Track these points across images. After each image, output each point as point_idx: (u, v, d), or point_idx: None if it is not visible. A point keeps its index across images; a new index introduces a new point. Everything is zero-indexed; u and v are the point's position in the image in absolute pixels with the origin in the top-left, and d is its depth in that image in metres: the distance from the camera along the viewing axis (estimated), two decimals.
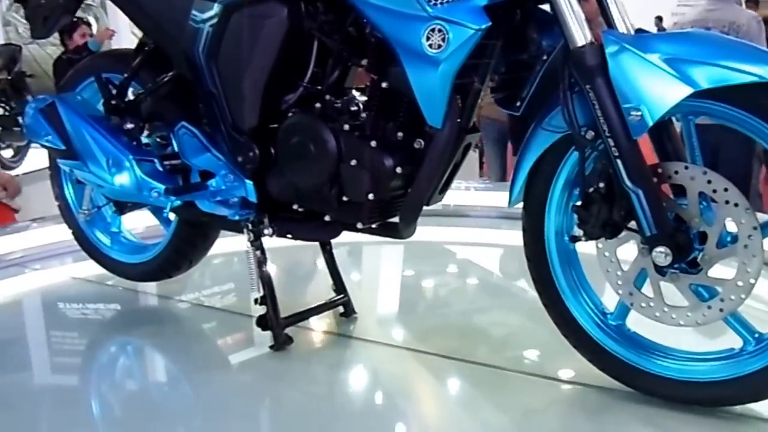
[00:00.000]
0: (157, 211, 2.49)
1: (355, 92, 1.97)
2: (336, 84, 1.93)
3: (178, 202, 2.11)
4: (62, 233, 2.82)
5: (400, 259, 3.05)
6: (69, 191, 2.65)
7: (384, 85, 1.78)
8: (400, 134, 1.80)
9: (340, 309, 2.27)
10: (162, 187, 2.09)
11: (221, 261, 3.03)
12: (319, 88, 1.92)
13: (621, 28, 1.63)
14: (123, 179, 2.10)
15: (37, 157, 6.01)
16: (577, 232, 1.68)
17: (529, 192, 1.76)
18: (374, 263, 3.12)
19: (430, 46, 1.60)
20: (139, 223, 2.91)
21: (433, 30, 1.59)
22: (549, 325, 1.82)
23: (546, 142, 1.68)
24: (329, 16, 1.88)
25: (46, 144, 2.23)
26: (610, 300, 1.78)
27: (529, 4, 1.67)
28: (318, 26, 1.88)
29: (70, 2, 2.53)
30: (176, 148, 2.10)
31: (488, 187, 3.98)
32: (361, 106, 1.87)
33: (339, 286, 2.26)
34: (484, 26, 1.57)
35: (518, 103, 1.83)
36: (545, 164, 1.71)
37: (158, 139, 2.26)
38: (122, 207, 2.47)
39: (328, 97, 1.90)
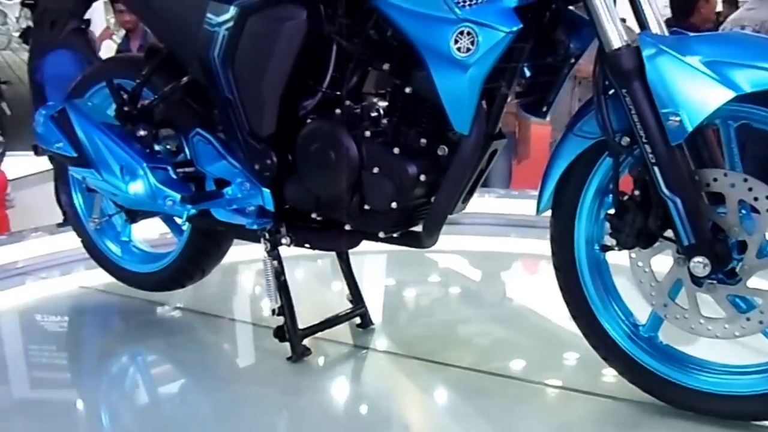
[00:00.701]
0: (169, 220, 2.43)
1: (373, 97, 1.92)
2: (355, 89, 1.87)
3: (193, 211, 2.05)
4: (66, 242, 2.75)
5: (404, 267, 2.98)
6: (78, 200, 2.58)
7: (407, 90, 1.72)
8: (423, 141, 1.74)
9: (357, 320, 2.21)
10: (177, 195, 2.03)
11: (236, 270, 2.96)
12: (338, 93, 1.87)
13: (655, 29, 1.57)
14: (137, 187, 2.05)
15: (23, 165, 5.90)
16: (609, 241, 1.63)
17: (558, 199, 1.70)
18: (379, 271, 3.06)
19: (459, 49, 1.55)
20: (149, 231, 2.84)
21: (462, 33, 1.54)
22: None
23: (578, 148, 1.63)
24: (350, 18, 1.83)
25: (58, 151, 2.17)
26: (641, 311, 1.72)
27: (559, 4, 1.62)
28: (337, 29, 1.83)
29: (78, 6, 2.49)
30: (190, 156, 2.05)
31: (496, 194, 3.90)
32: (382, 111, 1.82)
33: (356, 296, 2.21)
34: (515, 29, 1.51)
35: (544, 108, 1.79)
36: (576, 171, 1.66)
37: (168, 146, 2.21)
38: (134, 215, 2.42)
39: (347, 102, 1.84)
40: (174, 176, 2.08)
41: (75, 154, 2.12)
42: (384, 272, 3.04)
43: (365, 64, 1.85)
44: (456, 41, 1.55)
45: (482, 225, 3.46)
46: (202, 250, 2.37)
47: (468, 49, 1.54)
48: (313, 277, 2.94)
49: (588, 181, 1.66)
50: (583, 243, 1.71)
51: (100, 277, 2.69)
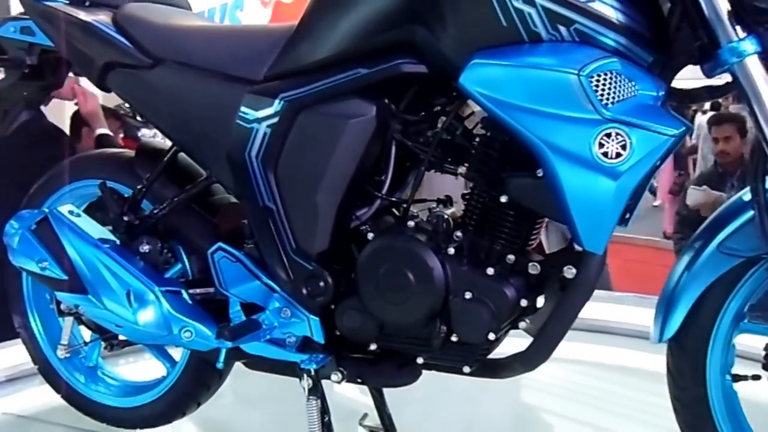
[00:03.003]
0: (159, 348, 2.03)
1: (435, 205, 1.64)
2: (417, 194, 1.59)
3: (229, 345, 1.66)
4: None
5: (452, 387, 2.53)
6: (36, 323, 2.14)
7: (503, 199, 1.44)
8: (514, 257, 1.46)
9: None
10: (198, 325, 1.66)
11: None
12: (403, 200, 1.59)
13: None
14: (147, 316, 1.66)
15: None
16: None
17: (686, 324, 1.45)
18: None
19: (605, 154, 1.28)
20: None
21: (608, 135, 1.28)
22: None
23: (721, 267, 1.39)
24: (419, 115, 1.55)
25: (42, 273, 1.74)
26: None
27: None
28: (402, 127, 1.54)
29: (33, 96, 2.12)
30: (214, 275, 1.68)
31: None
32: (452, 222, 1.54)
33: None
34: (681, 130, 1.27)
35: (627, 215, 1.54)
36: (714, 292, 1.41)
37: (170, 259, 1.84)
38: (113, 342, 2.01)
39: (416, 212, 1.55)
40: (190, 301, 1.70)
41: (65, 277, 1.71)
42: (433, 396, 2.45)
43: (434, 166, 1.57)
44: (600, 145, 1.28)
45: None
46: (201, 382, 1.99)
47: (618, 155, 1.27)
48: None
49: (727, 304, 1.43)
50: (716, 375, 1.46)
51: (27, 401, 2.28)
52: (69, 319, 2.04)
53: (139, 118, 6.34)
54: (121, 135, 6.40)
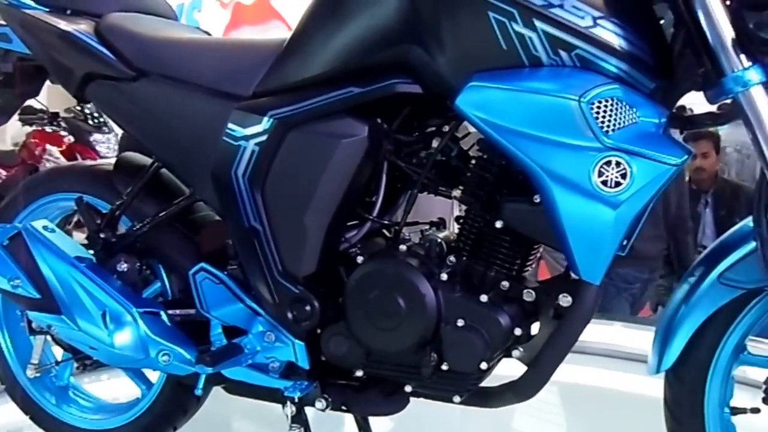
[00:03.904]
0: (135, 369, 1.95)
1: (427, 227, 1.60)
2: (408, 217, 1.54)
3: (209, 371, 1.59)
4: None
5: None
6: (5, 340, 2.05)
7: (498, 224, 1.40)
8: (508, 284, 1.42)
9: None
10: (175, 348, 1.59)
11: None
12: (395, 223, 1.54)
13: None
14: (124, 338, 1.58)
15: None
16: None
17: (685, 356, 1.41)
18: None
19: (604, 183, 1.24)
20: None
21: (608, 163, 1.24)
22: None
23: (722, 299, 1.36)
24: (412, 136, 1.51)
25: (13, 291, 1.66)
26: None
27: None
28: (395, 148, 1.50)
29: (8, 104, 2.05)
30: (195, 296, 1.61)
31: None
32: (446, 246, 1.49)
33: None
34: (683, 159, 1.23)
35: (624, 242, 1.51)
36: (713, 323, 1.38)
37: (148, 276, 1.78)
38: (85, 362, 1.93)
39: (407, 235, 1.51)
40: (169, 323, 1.63)
41: (38, 296, 1.63)
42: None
43: (426, 188, 1.52)
44: (600, 173, 1.24)
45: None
46: (178, 405, 1.92)
47: (617, 184, 1.23)
48: None
49: (727, 336, 1.39)
50: (714, 408, 1.42)
51: None
52: (41, 338, 1.96)
53: (90, 122, 6.25)
54: (72, 139, 6.26)
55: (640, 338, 3.19)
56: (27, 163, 6.18)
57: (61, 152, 6.16)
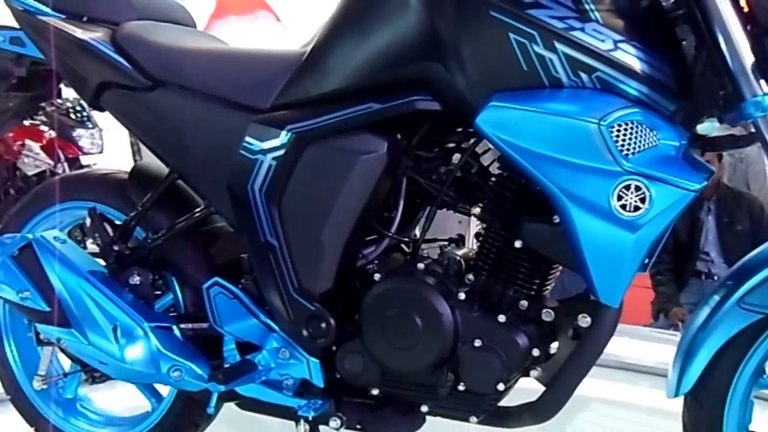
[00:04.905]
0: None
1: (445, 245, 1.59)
2: (427, 234, 1.53)
3: (221, 389, 1.57)
4: None
5: None
6: (11, 350, 2.03)
7: (517, 244, 1.39)
8: (527, 304, 1.41)
9: None
10: (187, 364, 1.57)
11: None
12: (405, 238, 1.53)
13: None
14: (135, 353, 1.57)
15: None
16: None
17: (703, 380, 1.40)
18: None
19: (623, 207, 1.23)
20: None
21: (627, 187, 1.23)
22: None
23: (741, 322, 1.34)
24: (432, 152, 1.50)
25: (22, 303, 1.64)
26: None
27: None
28: (414, 164, 1.49)
29: (21, 107, 2.04)
30: (208, 311, 1.59)
31: None
32: (464, 265, 1.48)
33: None
34: (702, 184, 1.23)
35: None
36: (733, 347, 1.37)
37: (161, 287, 1.76)
38: (95, 375, 1.91)
39: (425, 251, 1.50)
40: (181, 338, 1.62)
41: (47, 308, 1.61)
42: None
43: (446, 205, 1.51)
44: (619, 197, 1.23)
45: None
46: (189, 420, 1.89)
47: (636, 208, 1.23)
48: None
49: (746, 360, 1.37)
50: None
51: None
52: (48, 348, 1.94)
53: (73, 117, 6.05)
54: (53, 134, 6.03)
55: (647, 350, 3.22)
56: (4, 158, 5.87)
57: (42, 147, 5.85)
